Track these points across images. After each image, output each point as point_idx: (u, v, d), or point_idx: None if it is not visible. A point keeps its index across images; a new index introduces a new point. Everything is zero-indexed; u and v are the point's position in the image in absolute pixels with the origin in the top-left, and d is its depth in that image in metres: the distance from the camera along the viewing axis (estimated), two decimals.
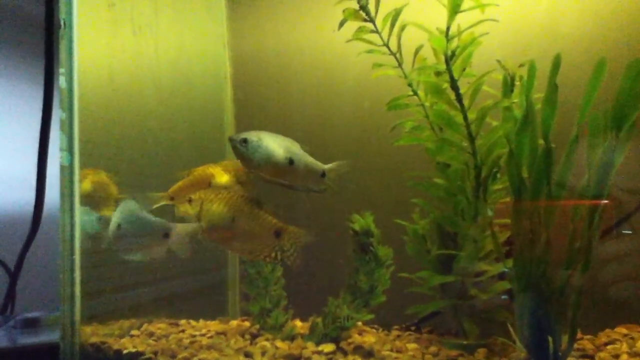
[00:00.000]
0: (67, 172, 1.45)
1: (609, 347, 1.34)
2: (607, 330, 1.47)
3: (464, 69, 1.34)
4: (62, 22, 1.47)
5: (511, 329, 1.20)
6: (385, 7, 1.36)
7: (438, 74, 1.37)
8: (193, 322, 1.77)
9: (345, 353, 1.39)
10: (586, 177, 1.16)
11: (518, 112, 1.25)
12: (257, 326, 1.60)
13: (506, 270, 1.31)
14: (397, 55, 1.39)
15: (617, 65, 1.14)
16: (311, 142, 1.35)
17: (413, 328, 1.64)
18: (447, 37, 1.30)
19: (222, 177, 1.44)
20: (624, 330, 1.46)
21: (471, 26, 1.30)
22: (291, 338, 1.51)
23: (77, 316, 1.45)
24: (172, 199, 1.48)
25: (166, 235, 1.37)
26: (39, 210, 1.97)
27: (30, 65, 2.35)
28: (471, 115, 1.34)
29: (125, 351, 1.43)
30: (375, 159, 1.79)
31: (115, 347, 1.46)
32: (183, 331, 1.65)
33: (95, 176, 1.56)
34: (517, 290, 1.22)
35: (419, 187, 1.48)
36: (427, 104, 1.42)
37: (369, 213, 1.49)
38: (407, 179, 1.47)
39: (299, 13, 1.97)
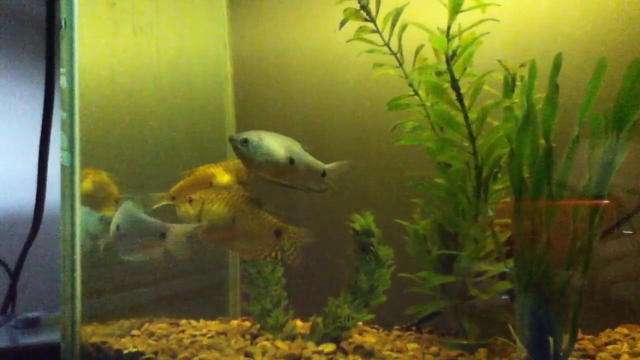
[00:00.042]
0: (67, 172, 1.45)
1: (609, 347, 1.34)
2: (608, 330, 1.47)
3: (464, 69, 1.34)
4: (63, 22, 1.47)
5: (512, 329, 1.20)
6: (386, 7, 1.36)
7: (439, 73, 1.37)
8: (193, 322, 1.77)
9: (345, 353, 1.39)
10: (587, 177, 1.16)
11: (519, 112, 1.25)
12: (258, 326, 1.60)
13: (507, 270, 1.30)
14: (398, 55, 1.39)
15: (617, 65, 1.14)
16: (312, 142, 1.35)
17: (413, 328, 1.64)
18: (448, 36, 1.30)
19: (223, 177, 1.44)
20: (624, 331, 1.46)
21: (472, 26, 1.30)
22: (292, 338, 1.51)
23: (78, 316, 1.45)
24: (173, 198, 1.48)
25: (163, 235, 1.37)
26: (39, 210, 1.98)
27: (31, 65, 2.35)
28: (472, 115, 1.34)
29: (125, 351, 1.43)
30: (376, 158, 1.79)
31: (116, 347, 1.46)
32: (183, 331, 1.65)
33: (96, 176, 1.57)
34: (517, 290, 1.22)
35: (420, 187, 1.48)
36: (427, 103, 1.42)
37: (370, 213, 1.49)
38: (407, 179, 1.47)
39: (299, 13, 1.97)
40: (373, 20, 1.36)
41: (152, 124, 1.78)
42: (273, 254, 1.29)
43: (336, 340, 1.45)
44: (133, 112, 1.74)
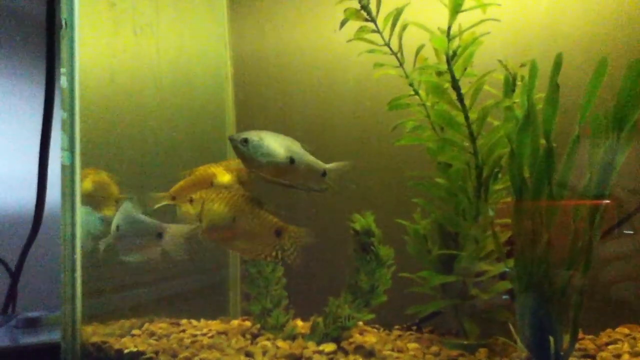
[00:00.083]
0: (68, 172, 1.45)
1: (610, 347, 1.34)
2: (609, 330, 1.47)
3: (465, 69, 1.34)
4: (63, 22, 1.47)
5: (512, 329, 1.20)
6: (387, 7, 1.35)
7: (439, 73, 1.37)
8: (194, 322, 1.77)
9: (346, 353, 1.39)
10: (587, 177, 1.16)
11: (519, 112, 1.25)
12: (258, 326, 1.60)
13: (507, 270, 1.30)
14: (398, 55, 1.39)
15: (618, 65, 1.14)
16: (312, 142, 1.35)
17: (414, 328, 1.64)
18: (449, 36, 1.30)
19: (224, 177, 1.44)
20: (625, 330, 1.46)
21: (472, 26, 1.30)
22: (292, 338, 1.51)
23: (78, 316, 1.45)
24: (173, 198, 1.48)
25: (159, 236, 1.37)
26: (40, 210, 1.98)
27: (32, 65, 2.35)
28: (472, 115, 1.34)
29: (126, 351, 1.43)
30: (376, 158, 1.79)
31: (116, 346, 1.46)
32: (184, 331, 1.65)
33: (96, 176, 1.57)
34: (518, 290, 1.22)
35: (420, 187, 1.48)
36: (428, 103, 1.42)
37: (370, 213, 1.49)
38: (408, 179, 1.47)
39: (299, 13, 1.97)
40: (373, 20, 1.36)
41: (153, 124, 1.78)
42: (273, 254, 1.29)
43: (337, 340, 1.45)
44: (133, 112, 1.74)
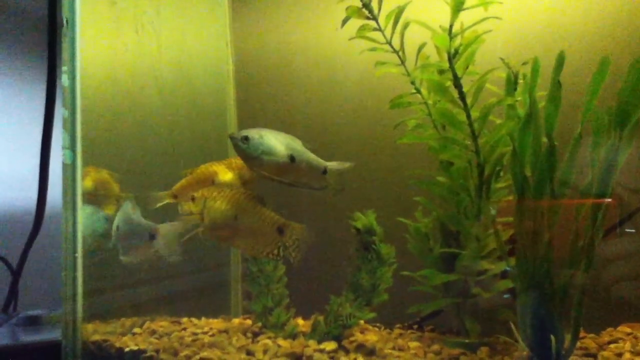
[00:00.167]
0: (69, 171, 1.45)
1: (612, 345, 1.34)
2: (610, 329, 1.46)
3: (467, 67, 1.34)
4: (64, 21, 1.47)
5: (514, 328, 1.20)
6: (388, 5, 1.35)
7: (441, 71, 1.36)
8: (195, 320, 1.77)
9: (347, 351, 1.39)
10: (589, 175, 1.16)
11: (521, 110, 1.25)
12: (259, 324, 1.60)
13: (509, 268, 1.30)
14: (400, 53, 1.39)
15: (620, 63, 1.14)
16: (314, 140, 1.35)
17: (415, 326, 1.64)
18: (450, 35, 1.30)
19: (226, 175, 1.44)
20: (627, 329, 1.45)
21: (474, 24, 1.30)
22: (293, 336, 1.51)
23: (79, 314, 1.45)
24: (175, 197, 1.48)
25: (152, 237, 1.37)
26: (41, 208, 1.97)
27: (33, 64, 2.35)
28: (474, 113, 1.33)
29: (127, 349, 1.43)
30: (378, 157, 1.79)
31: (117, 345, 1.46)
32: (185, 329, 1.65)
33: (96, 174, 1.57)
34: (519, 289, 1.22)
35: (422, 185, 1.47)
36: (430, 102, 1.42)
37: (372, 211, 1.49)
38: (409, 177, 1.47)
39: (301, 11, 1.97)
40: (375, 19, 1.35)
41: (154, 122, 1.78)
42: (275, 251, 1.29)
43: (338, 339, 1.45)
44: (134, 110, 1.74)
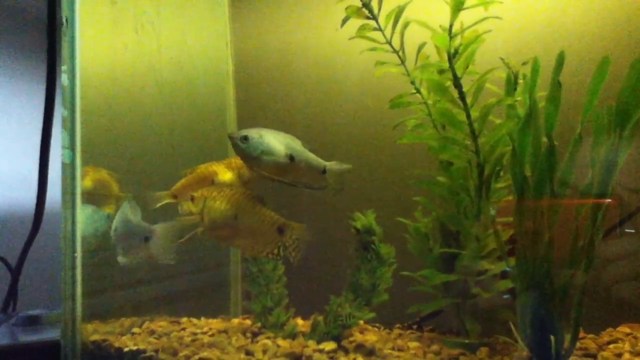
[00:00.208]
0: (68, 170, 1.45)
1: (611, 346, 1.33)
2: (610, 329, 1.46)
3: (467, 67, 1.34)
4: (64, 20, 1.47)
5: (513, 328, 1.20)
6: (388, 5, 1.35)
7: (441, 71, 1.36)
8: (194, 320, 1.77)
9: (346, 351, 1.39)
10: (589, 175, 1.15)
11: (521, 110, 1.25)
12: (259, 324, 1.60)
13: (508, 269, 1.30)
14: (400, 53, 1.39)
15: (621, 63, 1.13)
16: (313, 140, 1.35)
17: (415, 327, 1.64)
18: (450, 34, 1.30)
19: (225, 175, 1.44)
20: (626, 329, 1.45)
21: (474, 24, 1.30)
22: (292, 336, 1.51)
23: (79, 314, 1.45)
24: (175, 197, 1.48)
25: (147, 239, 1.37)
26: (40, 208, 1.97)
27: (33, 63, 2.35)
28: (474, 113, 1.33)
29: (126, 349, 1.43)
30: (378, 157, 1.79)
31: (117, 344, 1.46)
32: (184, 329, 1.65)
33: (96, 174, 1.56)
34: (519, 289, 1.22)
35: (422, 185, 1.47)
36: (429, 101, 1.41)
37: (371, 211, 1.48)
38: (409, 177, 1.46)
39: (301, 11, 1.97)
40: (375, 18, 1.35)
41: (153, 122, 1.78)
42: (275, 251, 1.29)
43: (337, 339, 1.45)
44: (134, 110, 1.74)
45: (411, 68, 1.40)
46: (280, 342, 1.45)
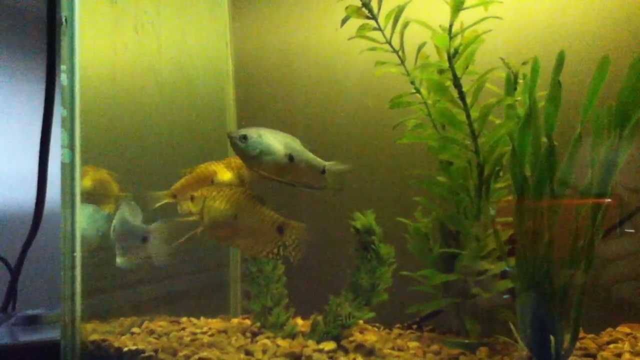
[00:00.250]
0: (68, 170, 1.44)
1: (611, 346, 1.33)
2: (610, 329, 1.46)
3: (466, 67, 1.34)
4: (63, 19, 1.47)
5: (513, 328, 1.20)
6: (388, 5, 1.35)
7: (441, 71, 1.36)
8: (194, 320, 1.77)
9: (346, 351, 1.39)
10: (589, 175, 1.15)
11: (521, 110, 1.25)
12: (258, 324, 1.60)
13: (508, 269, 1.30)
14: (400, 52, 1.39)
15: (621, 63, 1.13)
16: (314, 140, 1.35)
17: (414, 326, 1.64)
18: (450, 34, 1.30)
19: (225, 175, 1.44)
20: (626, 329, 1.45)
21: (474, 24, 1.29)
22: (292, 336, 1.51)
23: (78, 314, 1.45)
24: (174, 196, 1.48)
25: (144, 239, 1.37)
26: (40, 208, 1.97)
27: (32, 63, 2.35)
28: (474, 113, 1.33)
29: (125, 349, 1.43)
30: (378, 156, 1.79)
31: (116, 344, 1.46)
32: (184, 329, 1.65)
33: (95, 173, 1.56)
34: (519, 289, 1.22)
35: (421, 185, 1.47)
36: (429, 101, 1.41)
37: (371, 211, 1.48)
38: (409, 177, 1.46)
39: (301, 11, 1.97)
40: (375, 18, 1.35)
41: (153, 122, 1.78)
42: (275, 251, 1.29)
43: (337, 339, 1.45)
44: (134, 109, 1.74)
45: (411, 68, 1.40)
46: (279, 342, 1.45)
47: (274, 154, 1.25)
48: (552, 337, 1.14)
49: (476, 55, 1.35)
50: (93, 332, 1.50)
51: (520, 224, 1.20)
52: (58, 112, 1.61)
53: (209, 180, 1.44)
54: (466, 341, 1.40)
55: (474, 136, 1.34)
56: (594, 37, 1.58)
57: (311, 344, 1.43)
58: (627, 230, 1.30)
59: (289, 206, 1.36)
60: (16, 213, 2.25)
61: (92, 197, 1.53)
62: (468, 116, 1.33)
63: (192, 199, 1.34)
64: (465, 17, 1.29)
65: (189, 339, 1.52)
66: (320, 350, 1.38)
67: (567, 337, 1.16)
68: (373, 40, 1.38)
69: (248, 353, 1.38)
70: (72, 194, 1.45)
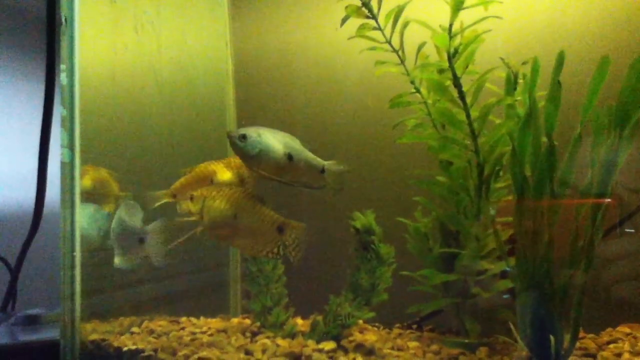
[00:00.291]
0: (67, 169, 1.44)
1: (611, 345, 1.33)
2: (609, 329, 1.46)
3: (466, 67, 1.34)
4: (63, 19, 1.47)
5: (513, 328, 1.20)
6: (388, 4, 1.35)
7: (441, 71, 1.36)
8: (194, 320, 1.76)
9: (346, 351, 1.39)
10: (589, 175, 1.15)
11: (521, 110, 1.25)
12: (258, 324, 1.59)
13: (508, 268, 1.30)
14: (400, 52, 1.39)
15: (621, 63, 1.13)
16: (313, 140, 1.35)
17: (414, 326, 1.64)
18: (450, 34, 1.30)
19: (225, 174, 1.44)
20: (626, 329, 1.45)
21: (474, 23, 1.29)
22: (292, 336, 1.51)
23: (78, 313, 1.45)
24: (174, 196, 1.48)
25: (141, 240, 1.37)
26: (39, 207, 1.97)
27: (32, 62, 2.35)
28: (474, 113, 1.33)
29: (125, 348, 1.43)
30: (378, 156, 1.79)
31: (116, 344, 1.46)
32: (183, 329, 1.65)
33: (95, 173, 1.56)
34: (519, 289, 1.22)
35: (421, 185, 1.47)
36: (429, 101, 1.41)
37: (371, 211, 1.48)
38: (409, 177, 1.46)
39: (301, 11, 1.97)
40: (375, 18, 1.35)
41: (153, 122, 1.77)
42: (275, 250, 1.29)
43: (337, 339, 1.45)
44: (133, 109, 1.73)
45: (411, 67, 1.40)
46: (279, 341, 1.45)
47: (273, 153, 1.25)
48: (552, 337, 1.14)
49: (476, 55, 1.35)
50: (93, 331, 1.50)
51: (520, 223, 1.20)
52: (58, 111, 1.61)
53: (209, 180, 1.44)
54: (466, 341, 1.40)
55: (474, 136, 1.34)
56: (594, 37, 1.58)
57: (311, 343, 1.43)
58: (627, 230, 1.30)
59: (289, 206, 1.36)
60: (16, 213, 2.25)
61: (92, 196, 1.53)
62: (468, 116, 1.33)
63: (191, 198, 1.34)
64: (465, 16, 1.29)
65: (188, 338, 1.52)
66: (320, 350, 1.38)
67: (567, 337, 1.16)
68: (373, 39, 1.38)
69: (248, 353, 1.38)
70: (72, 194, 1.45)
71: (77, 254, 1.44)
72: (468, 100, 1.33)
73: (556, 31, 1.62)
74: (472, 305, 1.40)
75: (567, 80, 1.15)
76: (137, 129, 1.73)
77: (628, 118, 1.11)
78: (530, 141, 1.19)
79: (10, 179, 2.29)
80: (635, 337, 1.39)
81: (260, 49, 2.02)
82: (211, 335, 1.58)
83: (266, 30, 2.02)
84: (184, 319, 1.76)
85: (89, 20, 1.52)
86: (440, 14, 1.30)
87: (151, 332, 1.60)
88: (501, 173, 1.37)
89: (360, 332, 1.56)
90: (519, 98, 1.29)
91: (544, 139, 1.17)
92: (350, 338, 1.47)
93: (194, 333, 1.59)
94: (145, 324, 1.68)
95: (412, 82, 1.41)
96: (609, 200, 1.14)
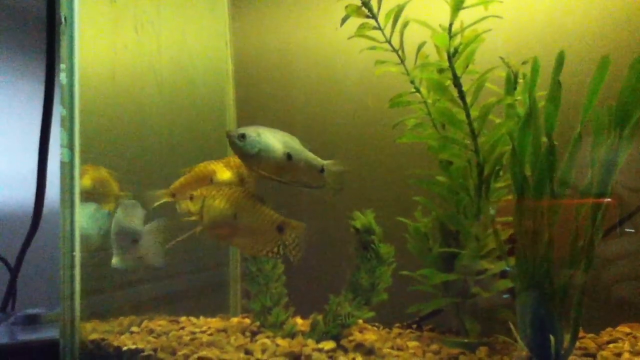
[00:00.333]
0: (67, 169, 1.44)
1: (611, 345, 1.33)
2: (609, 328, 1.46)
3: (466, 66, 1.34)
4: (63, 19, 1.46)
5: (513, 328, 1.20)
6: (388, 4, 1.35)
7: (441, 71, 1.36)
8: (193, 319, 1.76)
9: (346, 351, 1.39)
10: (589, 175, 1.15)
11: (521, 110, 1.25)
12: (258, 323, 1.59)
13: (508, 268, 1.30)
14: (400, 52, 1.39)
15: (621, 63, 1.13)
16: (313, 139, 1.34)
17: (414, 326, 1.64)
18: (450, 34, 1.30)
19: (224, 174, 1.44)
20: (626, 329, 1.45)
21: (474, 23, 1.29)
22: (292, 335, 1.50)
23: (77, 313, 1.44)
24: (173, 195, 1.48)
25: (135, 241, 1.37)
26: (39, 207, 1.97)
27: (31, 62, 2.35)
28: (474, 113, 1.33)
29: (125, 348, 1.43)
30: (378, 156, 1.79)
31: (115, 343, 1.46)
32: (183, 328, 1.65)
33: (95, 172, 1.56)
34: (519, 289, 1.22)
35: (421, 185, 1.47)
36: (429, 101, 1.41)
37: (371, 210, 1.48)
38: (409, 177, 1.46)
39: (301, 11, 1.97)
40: (375, 17, 1.35)
41: (153, 121, 1.77)
42: (275, 250, 1.29)
43: (336, 338, 1.45)
44: (133, 109, 1.73)
45: (411, 67, 1.40)
46: (279, 341, 1.45)
47: (273, 153, 1.25)
48: (552, 337, 1.14)
49: (476, 55, 1.35)
50: (92, 331, 1.50)
51: (520, 223, 1.20)
52: (57, 111, 1.61)
53: (208, 180, 1.44)
54: (466, 341, 1.40)
55: (474, 135, 1.34)
56: (594, 37, 1.58)
57: (311, 343, 1.43)
58: (627, 230, 1.30)
59: (289, 206, 1.36)
60: (15, 212, 2.25)
61: (92, 196, 1.53)
62: (468, 115, 1.33)
63: (191, 198, 1.33)
64: (465, 16, 1.29)
65: (188, 338, 1.52)
66: (320, 350, 1.38)
67: (567, 337, 1.16)
68: (373, 39, 1.38)
69: (247, 352, 1.38)
70: (72, 193, 1.44)
71: (77, 253, 1.44)
72: (468, 99, 1.33)
73: (556, 31, 1.62)
74: (472, 305, 1.40)
75: (567, 80, 1.15)
76: (137, 128, 1.73)
77: (628, 118, 1.11)
78: (530, 141, 1.19)
79: (10, 179, 2.29)
80: (635, 337, 1.39)
81: (260, 49, 2.02)
82: (211, 334, 1.57)
83: (266, 30, 2.02)
84: (183, 318, 1.76)
85: (88, 20, 1.52)
86: (440, 14, 1.30)
87: (151, 331, 1.60)
88: (501, 173, 1.37)
89: (360, 331, 1.56)
90: (519, 98, 1.29)
91: (544, 139, 1.17)
92: (350, 338, 1.47)
93: (193, 333, 1.59)
94: (145, 323, 1.68)
95: (412, 82, 1.41)
96: (609, 200, 1.13)
